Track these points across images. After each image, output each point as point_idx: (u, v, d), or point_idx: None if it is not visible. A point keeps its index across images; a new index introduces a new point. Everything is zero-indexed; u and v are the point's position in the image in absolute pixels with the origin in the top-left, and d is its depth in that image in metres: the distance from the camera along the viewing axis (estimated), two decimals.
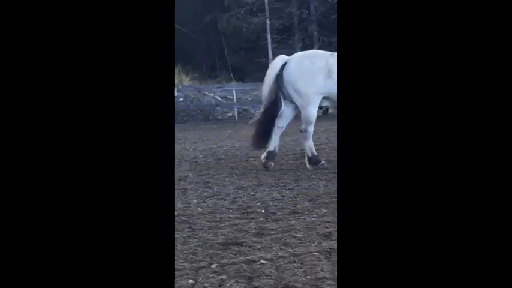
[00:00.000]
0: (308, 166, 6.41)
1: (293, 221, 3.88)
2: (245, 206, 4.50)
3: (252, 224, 3.86)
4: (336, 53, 6.19)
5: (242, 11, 23.49)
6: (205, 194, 5.11)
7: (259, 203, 4.57)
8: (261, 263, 2.94)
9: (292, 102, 6.43)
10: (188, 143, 10.23)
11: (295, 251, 3.14)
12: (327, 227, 3.63)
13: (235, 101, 18.05)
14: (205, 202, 4.72)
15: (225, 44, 26.34)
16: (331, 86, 6.03)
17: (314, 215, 4.04)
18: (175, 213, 4.24)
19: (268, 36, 23.04)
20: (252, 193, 5.04)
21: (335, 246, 3.04)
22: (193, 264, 2.96)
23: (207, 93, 19.45)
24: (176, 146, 9.49)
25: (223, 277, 2.75)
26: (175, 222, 3.94)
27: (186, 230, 3.76)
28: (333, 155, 6.89)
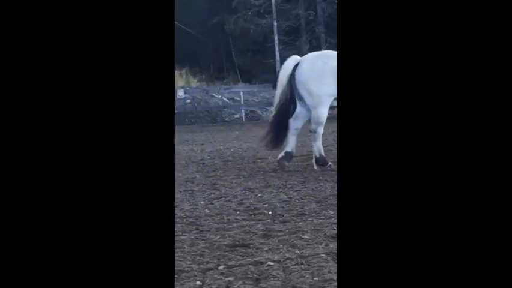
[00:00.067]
0: (315, 167, 6.40)
1: (300, 223, 3.88)
2: (252, 207, 4.50)
3: (259, 225, 3.86)
4: None
5: (249, 13, 23.51)
6: (212, 195, 5.11)
7: (267, 205, 4.57)
8: (268, 265, 2.94)
9: None
10: (196, 145, 10.24)
11: (302, 252, 3.14)
12: (335, 229, 3.62)
13: (242, 102, 18.06)
14: (213, 204, 4.72)
15: (232, 46, 26.36)
16: None
17: (321, 217, 4.04)
18: (183, 214, 4.26)
19: (276, 37, 23.03)
20: (259, 195, 5.04)
21: None
22: (201, 266, 2.97)
23: (214, 94, 19.47)
24: (183, 147, 9.52)
25: (231, 279, 2.75)
26: (183, 224, 3.95)
27: (193, 231, 3.77)
28: None
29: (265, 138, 6.63)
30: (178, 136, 11.76)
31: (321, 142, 6.43)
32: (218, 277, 2.78)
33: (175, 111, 16.11)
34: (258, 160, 7.46)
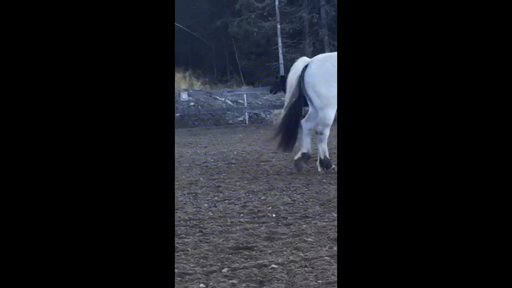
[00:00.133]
0: (319, 169, 6.40)
1: (304, 225, 3.87)
2: (256, 210, 4.50)
3: (263, 228, 3.86)
4: None
5: (253, 16, 23.57)
6: (216, 198, 5.11)
7: (270, 207, 4.57)
8: (272, 268, 2.94)
9: None
10: (199, 147, 10.25)
11: (306, 255, 3.14)
12: None
13: (246, 105, 18.08)
14: (216, 206, 4.72)
15: (235, 49, 26.41)
16: None
17: (325, 219, 4.04)
18: (186, 217, 4.26)
19: (279, 40, 23.08)
20: (263, 197, 5.04)
21: None
22: (204, 269, 2.97)
23: (217, 97, 19.50)
24: (187, 150, 9.52)
25: (234, 281, 2.75)
26: (186, 227, 3.96)
27: (197, 234, 3.77)
28: None
29: (274, 140, 6.60)
30: (182, 139, 11.78)
31: (326, 144, 6.42)
32: (222, 280, 2.78)
33: (179, 114, 16.14)
34: (262, 163, 7.46)
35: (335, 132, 8.79)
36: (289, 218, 4.16)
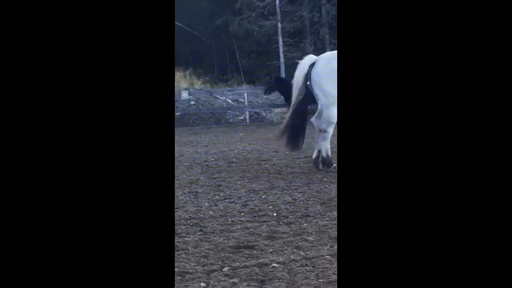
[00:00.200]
0: (320, 167, 6.38)
1: (305, 224, 3.87)
2: (257, 209, 4.49)
3: (263, 227, 3.86)
4: None
5: (253, 14, 23.57)
6: (216, 197, 5.11)
7: (271, 206, 4.56)
8: (273, 266, 2.93)
9: None
10: (200, 146, 10.25)
11: (307, 254, 3.13)
12: None
13: (246, 104, 18.07)
14: (217, 205, 4.72)
15: (236, 47, 26.42)
16: None
17: (326, 218, 4.03)
18: (187, 216, 4.26)
19: (280, 39, 23.08)
20: (263, 196, 5.04)
21: None
22: (205, 268, 2.96)
23: (218, 96, 19.50)
24: (187, 149, 9.52)
25: (235, 280, 2.75)
26: (187, 226, 3.95)
27: (198, 233, 3.76)
28: None
29: (281, 139, 6.58)
30: (182, 138, 11.78)
31: (329, 142, 6.41)
32: (222, 279, 2.78)
33: (179, 113, 16.14)
34: (262, 162, 7.46)
35: (335, 131, 8.79)
36: (290, 217, 4.16)
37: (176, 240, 3.45)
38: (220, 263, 3.05)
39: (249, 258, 3.11)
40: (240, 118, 17.96)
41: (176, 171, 6.37)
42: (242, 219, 4.15)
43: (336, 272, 2.75)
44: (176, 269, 2.83)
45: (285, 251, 3.22)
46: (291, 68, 16.42)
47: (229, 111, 18.15)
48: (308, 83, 6.38)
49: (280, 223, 3.97)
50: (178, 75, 20.90)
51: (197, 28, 26.93)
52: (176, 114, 15.70)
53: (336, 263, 2.92)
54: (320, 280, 2.68)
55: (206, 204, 4.79)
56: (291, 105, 6.66)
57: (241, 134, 12.72)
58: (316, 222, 3.93)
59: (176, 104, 15.87)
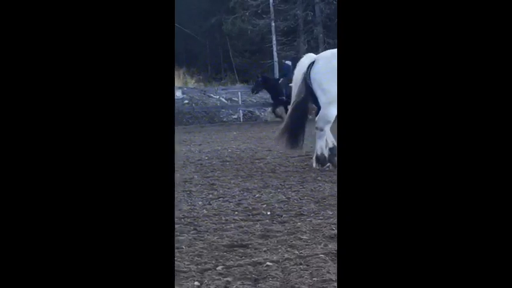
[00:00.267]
0: (314, 165, 6.38)
1: (299, 223, 3.87)
2: (250, 208, 4.49)
3: (257, 226, 3.85)
4: None
5: (247, 13, 23.56)
6: (210, 196, 5.10)
7: (265, 205, 4.56)
8: (267, 265, 2.93)
9: None
10: (194, 145, 10.24)
11: (301, 253, 3.13)
12: (333, 229, 3.62)
13: (240, 102, 18.08)
14: (211, 204, 4.71)
15: (229, 46, 26.41)
16: None
17: (320, 217, 4.03)
18: (181, 215, 4.25)
19: (273, 38, 23.09)
20: (257, 195, 5.03)
21: None
22: (199, 267, 2.96)
23: (212, 95, 19.49)
24: (181, 148, 9.50)
25: (229, 279, 2.75)
26: (181, 225, 3.94)
27: (191, 232, 3.76)
28: None
29: (281, 138, 6.57)
30: (176, 136, 11.71)
31: (324, 141, 6.40)
32: (216, 277, 2.77)
33: None
34: (256, 160, 7.45)
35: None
36: (284, 215, 4.15)
37: None
38: (214, 261, 3.04)
39: (243, 257, 3.11)
40: (234, 117, 17.96)
41: None
42: (236, 218, 4.14)
43: (330, 271, 2.75)
44: None
45: (279, 250, 3.21)
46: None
47: (223, 110, 18.16)
48: (308, 81, 6.37)
49: (274, 222, 3.97)
50: None
51: (191, 27, 26.90)
52: None
53: (330, 261, 2.93)
54: (314, 279, 2.67)
55: (200, 203, 4.78)
56: (291, 103, 6.64)
57: (234, 133, 12.72)
58: (310, 221, 3.93)
59: None
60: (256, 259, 3.05)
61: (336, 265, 2.85)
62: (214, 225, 3.94)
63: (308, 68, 6.39)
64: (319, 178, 5.79)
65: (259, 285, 2.66)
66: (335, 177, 5.66)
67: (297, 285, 2.60)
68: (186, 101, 18.33)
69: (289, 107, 6.74)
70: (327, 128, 6.33)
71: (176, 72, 22.29)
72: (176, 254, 3.17)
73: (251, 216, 4.18)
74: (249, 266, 2.92)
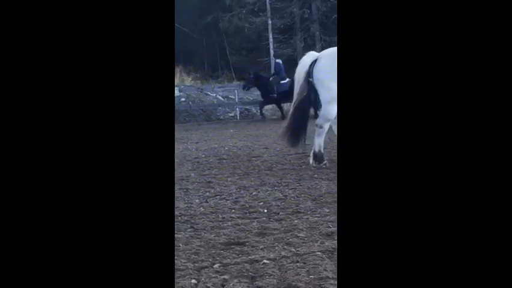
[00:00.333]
0: (311, 162, 6.38)
1: (296, 221, 3.87)
2: (247, 205, 4.49)
3: (254, 223, 3.86)
4: None
5: (244, 11, 23.56)
6: (207, 194, 5.10)
7: (262, 203, 4.56)
8: (264, 263, 2.93)
9: None
10: (191, 143, 10.23)
11: (298, 250, 3.14)
12: (330, 227, 3.63)
13: (237, 100, 18.06)
14: (208, 202, 4.71)
15: (226, 44, 26.39)
16: None
17: (317, 215, 4.04)
18: (177, 213, 4.24)
19: (270, 35, 23.09)
20: (254, 193, 5.04)
21: None
22: (196, 264, 2.96)
23: (208, 93, 19.48)
24: (178, 145, 9.50)
25: (226, 277, 2.75)
26: (178, 223, 3.94)
27: (188, 230, 3.76)
28: (336, 155, 6.87)
29: (283, 137, 6.57)
30: None
31: (323, 138, 6.41)
32: (213, 275, 2.78)
33: None
34: (253, 158, 7.45)
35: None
36: (280, 213, 4.16)
37: None
38: (210, 259, 3.04)
39: (240, 255, 3.11)
40: (231, 115, 17.95)
41: None
42: (233, 215, 4.14)
43: (327, 269, 2.76)
44: None
45: (276, 248, 3.22)
46: (283, 64, 16.44)
47: (220, 107, 18.14)
48: (310, 79, 6.36)
49: (271, 219, 3.97)
50: None
51: (187, 25, 26.86)
52: None
53: (327, 259, 2.93)
54: (310, 276, 2.68)
55: (197, 201, 4.78)
56: (293, 102, 6.64)
57: (231, 131, 12.72)
58: (307, 218, 3.93)
59: None
60: (253, 257, 3.05)
61: (333, 263, 2.85)
62: (211, 223, 3.94)
63: (310, 66, 6.38)
64: (316, 176, 5.79)
65: (256, 283, 2.66)
66: (332, 175, 5.67)
67: (294, 283, 2.60)
68: (183, 99, 18.32)
69: (291, 106, 6.72)
70: (327, 126, 6.33)
71: None
72: None
73: (248, 214, 4.19)
74: (245, 264, 2.92)
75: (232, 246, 3.30)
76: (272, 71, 20.90)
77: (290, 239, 3.38)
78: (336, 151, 7.05)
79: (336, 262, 2.82)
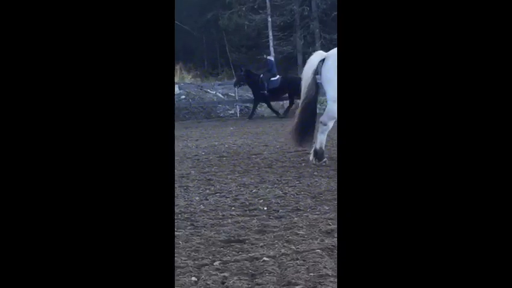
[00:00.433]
0: (311, 158, 6.39)
1: (295, 218, 3.88)
2: (247, 203, 4.50)
3: (254, 221, 3.86)
4: None
5: (243, 8, 23.54)
6: (207, 191, 5.11)
7: (262, 200, 4.57)
8: (264, 260, 2.94)
9: None
10: (191, 141, 10.23)
11: (297, 248, 3.14)
12: (330, 224, 3.63)
13: (237, 98, 18.02)
14: (208, 199, 4.72)
15: (226, 41, 26.36)
16: None
17: (316, 212, 4.04)
18: (177, 210, 4.25)
19: (270, 33, 23.07)
20: (254, 190, 5.04)
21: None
22: (196, 262, 2.97)
23: (208, 90, 19.46)
24: (178, 143, 9.49)
25: (226, 274, 2.75)
26: (178, 220, 3.95)
27: (188, 227, 3.76)
28: (336, 153, 6.87)
29: (291, 136, 6.57)
30: None
31: (325, 136, 6.41)
32: (213, 273, 2.78)
33: None
34: (253, 156, 7.46)
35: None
36: (280, 211, 4.16)
37: None
38: (210, 257, 3.05)
39: (240, 252, 3.12)
40: (231, 112, 17.92)
41: None
42: (233, 213, 4.15)
43: (326, 266, 2.76)
44: None
45: (276, 245, 3.22)
46: (282, 61, 16.42)
47: (220, 105, 18.11)
48: (318, 75, 6.37)
49: (271, 217, 3.98)
50: None
51: (187, 22, 26.83)
52: None
53: (326, 257, 2.94)
54: (310, 274, 2.68)
55: (197, 198, 4.79)
56: (301, 101, 6.64)
57: (231, 128, 12.71)
58: (307, 216, 3.94)
59: None
60: (253, 254, 3.06)
61: (332, 260, 2.86)
62: (211, 220, 3.95)
63: (318, 65, 6.39)
64: (316, 173, 5.79)
65: (256, 280, 2.67)
66: (332, 173, 5.68)
67: (293, 281, 2.61)
68: (183, 97, 18.30)
69: (299, 105, 6.73)
70: (331, 124, 6.34)
71: None
72: None
73: (248, 212, 4.19)
74: (245, 261, 2.93)
75: (232, 244, 3.30)
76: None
77: (290, 237, 3.39)
78: (336, 148, 7.06)
79: (335, 260, 2.83)
